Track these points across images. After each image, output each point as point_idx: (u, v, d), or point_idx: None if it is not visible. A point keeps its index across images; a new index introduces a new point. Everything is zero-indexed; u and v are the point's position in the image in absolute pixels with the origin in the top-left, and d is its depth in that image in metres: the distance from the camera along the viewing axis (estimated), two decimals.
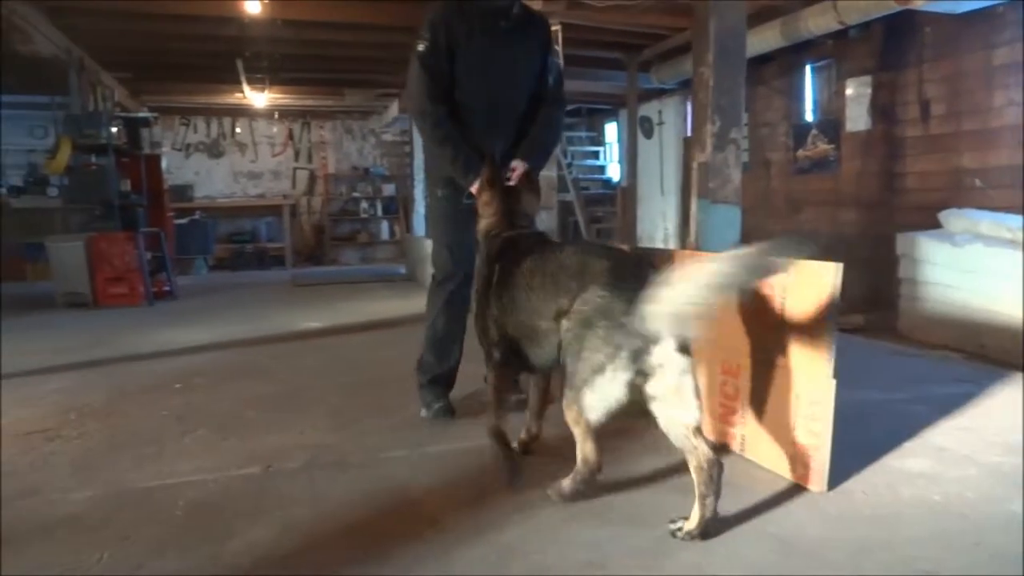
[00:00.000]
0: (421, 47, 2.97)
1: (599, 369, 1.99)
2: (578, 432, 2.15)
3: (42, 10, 6.97)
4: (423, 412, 3.21)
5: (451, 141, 2.96)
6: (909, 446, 2.72)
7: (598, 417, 2.06)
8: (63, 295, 7.35)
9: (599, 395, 2.01)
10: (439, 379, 3.23)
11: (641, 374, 1.98)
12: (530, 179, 2.89)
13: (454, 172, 3.00)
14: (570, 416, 2.14)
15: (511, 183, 2.88)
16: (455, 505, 2.27)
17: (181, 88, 11.36)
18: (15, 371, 4.33)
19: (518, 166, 2.93)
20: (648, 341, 1.94)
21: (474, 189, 2.88)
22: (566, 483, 2.20)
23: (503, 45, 3.03)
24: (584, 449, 2.17)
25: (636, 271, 2.09)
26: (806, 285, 2.36)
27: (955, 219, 5.59)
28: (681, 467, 2.51)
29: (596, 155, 13.55)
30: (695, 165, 3.33)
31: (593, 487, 2.21)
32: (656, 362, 1.96)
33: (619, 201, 11.83)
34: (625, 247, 3.44)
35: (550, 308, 2.21)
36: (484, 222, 2.76)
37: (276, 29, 7.66)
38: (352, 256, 14.05)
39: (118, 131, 8.23)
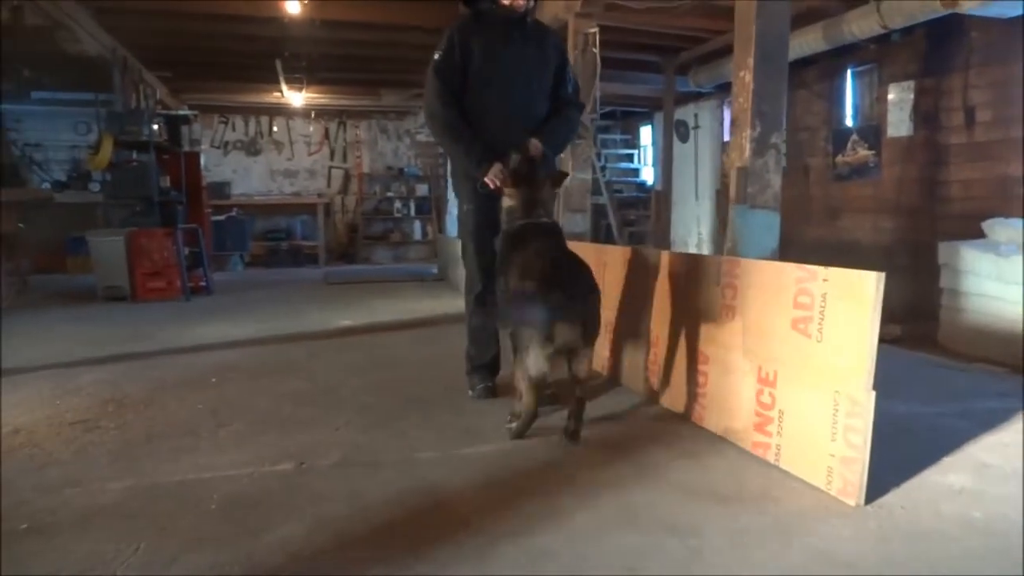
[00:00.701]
0: (436, 56, 3.25)
1: (529, 341, 2.71)
2: (524, 387, 2.79)
3: (90, 10, 7.12)
4: (469, 393, 3.53)
5: (463, 137, 3.24)
6: (949, 461, 2.66)
7: (535, 374, 2.72)
8: (103, 288, 7.50)
9: (531, 360, 2.70)
10: (481, 367, 3.56)
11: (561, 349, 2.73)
12: (552, 171, 3.21)
13: (468, 164, 3.26)
14: (518, 376, 2.83)
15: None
16: (487, 507, 2.26)
17: (221, 87, 11.55)
18: (57, 362, 4.43)
19: (533, 144, 3.17)
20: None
21: (488, 179, 3.17)
22: (514, 426, 2.88)
23: (518, 54, 3.29)
24: (527, 400, 2.81)
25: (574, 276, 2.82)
26: (847, 294, 2.32)
27: (1000, 229, 5.45)
28: (714, 474, 2.51)
29: (630, 158, 13.47)
30: (734, 170, 3.29)
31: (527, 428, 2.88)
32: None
33: (653, 205, 11.76)
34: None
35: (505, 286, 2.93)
36: (508, 204, 3.07)
37: (315, 30, 7.76)
38: (384, 255, 14.14)
39: (159, 128, 8.39)
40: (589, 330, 2.81)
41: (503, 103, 3.26)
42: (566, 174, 3.48)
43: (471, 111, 3.25)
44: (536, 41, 3.36)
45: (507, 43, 3.25)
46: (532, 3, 3.26)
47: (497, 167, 3.15)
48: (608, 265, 3.96)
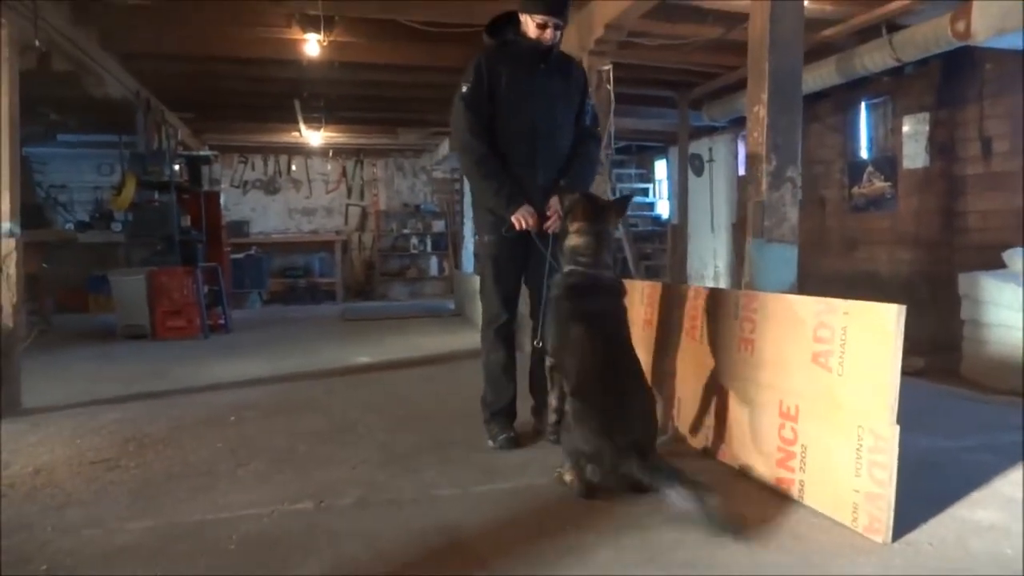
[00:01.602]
0: (464, 88, 3.23)
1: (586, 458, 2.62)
2: (575, 481, 2.68)
3: (115, 56, 7.30)
4: (490, 443, 3.33)
5: (493, 173, 3.20)
6: (977, 496, 2.61)
7: (587, 483, 2.63)
8: (124, 327, 7.56)
9: (587, 472, 2.62)
10: (500, 412, 3.40)
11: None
12: (613, 204, 3.10)
13: (496, 203, 3.21)
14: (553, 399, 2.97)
15: (549, 224, 3.16)
16: (506, 546, 2.24)
17: (241, 127, 11.75)
18: (77, 401, 4.46)
19: (555, 204, 3.16)
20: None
21: (516, 219, 3.14)
22: (573, 486, 2.67)
23: (543, 85, 3.27)
24: (582, 489, 2.64)
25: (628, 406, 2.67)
26: (868, 327, 2.31)
27: (1020, 259, 5.40)
28: (735, 510, 2.47)
29: (645, 192, 13.52)
30: (750, 204, 3.30)
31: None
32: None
33: (669, 238, 11.76)
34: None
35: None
36: (573, 242, 2.92)
37: (333, 71, 7.89)
38: (401, 291, 14.20)
39: (180, 169, 8.51)
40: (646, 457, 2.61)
41: (528, 135, 3.23)
42: (629, 198, 3.38)
43: (496, 142, 3.22)
44: (561, 73, 3.34)
45: (533, 75, 3.24)
46: (559, 37, 3.24)
47: (526, 208, 3.14)
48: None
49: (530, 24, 3.18)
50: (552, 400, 3.02)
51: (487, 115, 3.21)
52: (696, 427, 3.24)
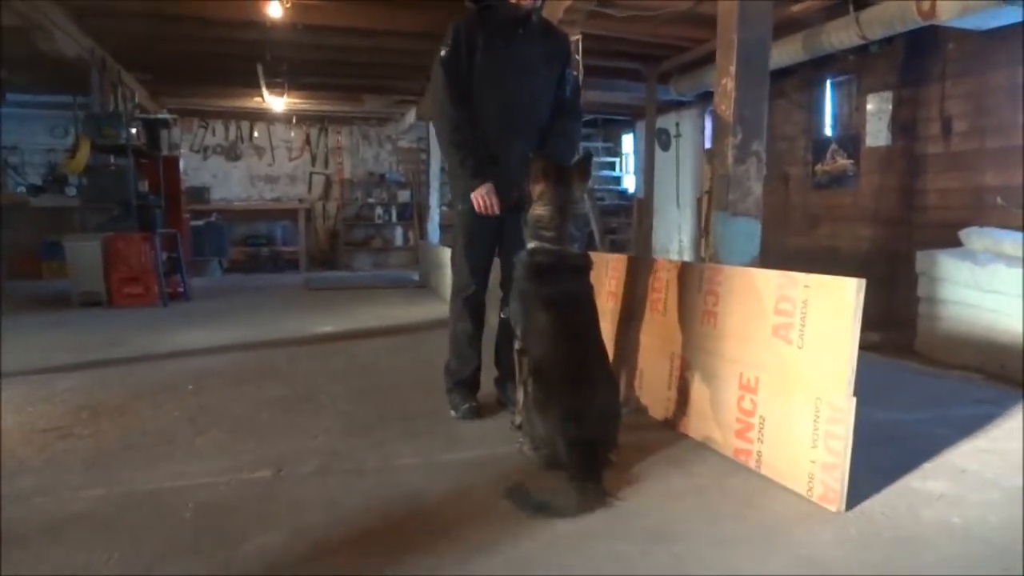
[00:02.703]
0: (443, 52, 3.12)
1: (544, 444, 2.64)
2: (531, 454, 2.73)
3: (67, 11, 7.03)
4: (452, 413, 3.31)
5: (464, 144, 3.12)
6: (929, 467, 2.68)
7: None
8: (79, 294, 7.38)
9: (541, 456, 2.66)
10: (464, 382, 3.37)
11: None
12: (575, 168, 2.91)
13: (462, 173, 3.14)
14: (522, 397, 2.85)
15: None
16: (469, 515, 2.24)
17: (201, 91, 11.44)
18: (30, 368, 4.35)
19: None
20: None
21: (475, 197, 3.08)
22: (529, 451, 2.73)
23: (521, 52, 3.17)
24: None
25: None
26: (828, 300, 2.33)
27: (976, 237, 5.51)
28: (697, 481, 2.50)
29: (612, 166, 13.54)
30: (715, 177, 3.30)
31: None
32: None
33: (634, 212, 11.80)
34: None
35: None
36: (537, 212, 2.78)
37: (297, 34, 7.70)
38: (365, 261, 14.07)
39: (137, 132, 8.28)
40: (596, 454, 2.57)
41: (505, 104, 3.13)
42: (588, 157, 3.14)
43: (473, 110, 3.12)
44: (542, 41, 3.23)
45: (511, 42, 3.12)
46: (540, 2, 3.14)
47: (488, 187, 3.07)
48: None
49: None
50: (519, 394, 2.90)
51: (466, 81, 3.10)
52: (658, 399, 3.26)
